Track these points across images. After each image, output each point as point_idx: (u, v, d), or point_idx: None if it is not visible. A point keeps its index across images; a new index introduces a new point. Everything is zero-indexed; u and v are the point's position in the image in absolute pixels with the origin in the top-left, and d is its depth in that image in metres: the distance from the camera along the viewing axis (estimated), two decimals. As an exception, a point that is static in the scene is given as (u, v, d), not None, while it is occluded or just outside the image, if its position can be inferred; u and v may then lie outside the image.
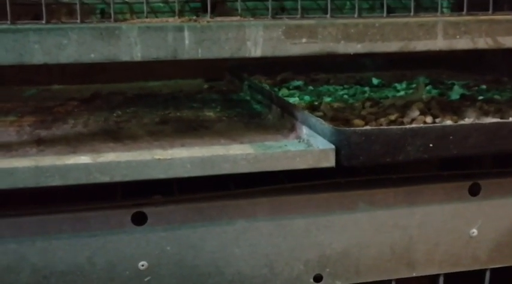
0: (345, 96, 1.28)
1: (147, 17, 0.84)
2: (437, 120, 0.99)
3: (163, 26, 0.81)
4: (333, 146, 0.84)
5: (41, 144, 0.91)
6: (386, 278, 0.96)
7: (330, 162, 0.83)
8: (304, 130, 0.91)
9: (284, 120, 1.01)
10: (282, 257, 0.91)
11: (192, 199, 0.87)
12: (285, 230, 0.90)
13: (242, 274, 0.90)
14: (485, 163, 1.07)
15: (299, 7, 0.89)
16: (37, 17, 0.87)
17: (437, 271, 0.97)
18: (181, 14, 0.87)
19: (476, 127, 0.88)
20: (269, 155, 0.83)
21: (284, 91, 1.32)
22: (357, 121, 0.97)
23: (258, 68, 1.51)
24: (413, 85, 1.37)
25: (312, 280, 0.92)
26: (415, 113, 1.01)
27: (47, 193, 0.84)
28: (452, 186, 0.95)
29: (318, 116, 0.94)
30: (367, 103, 1.13)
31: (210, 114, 1.13)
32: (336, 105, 1.14)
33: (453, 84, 1.38)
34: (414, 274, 0.96)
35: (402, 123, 0.98)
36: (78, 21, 0.81)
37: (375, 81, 1.44)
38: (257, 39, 0.83)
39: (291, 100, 1.18)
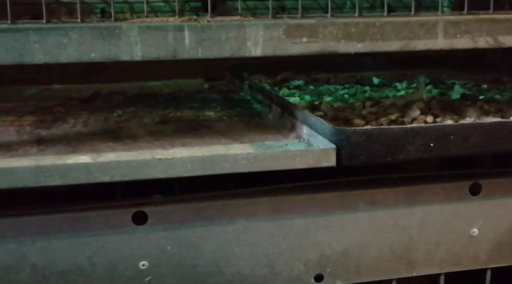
0: (346, 96, 1.28)
1: (147, 17, 0.84)
2: (437, 119, 0.99)
3: (164, 26, 0.81)
4: (333, 146, 0.83)
5: (41, 143, 0.90)
6: (386, 278, 0.96)
7: (330, 161, 0.83)
8: (305, 130, 0.91)
9: (284, 120, 1.01)
10: (283, 257, 0.90)
11: (192, 198, 0.87)
12: (286, 230, 0.90)
13: (242, 273, 0.90)
14: (486, 163, 1.07)
15: (299, 6, 0.89)
16: (37, 17, 0.86)
17: (437, 270, 0.97)
18: (181, 13, 0.87)
19: (477, 127, 0.88)
20: (269, 155, 0.83)
21: (284, 91, 1.32)
22: (358, 121, 0.97)
23: (259, 68, 1.51)
24: (414, 85, 1.37)
25: (312, 280, 0.92)
26: (416, 113, 1.01)
27: (47, 193, 0.84)
28: (453, 185, 0.95)
29: (318, 116, 0.93)
30: (368, 103, 1.13)
31: (210, 113, 1.13)
32: (336, 104, 1.14)
33: (454, 84, 1.38)
34: (414, 274, 0.96)
35: (403, 123, 0.98)
36: (79, 20, 0.81)
37: (375, 80, 1.44)
38: (257, 38, 0.83)
39: (292, 99, 1.18)
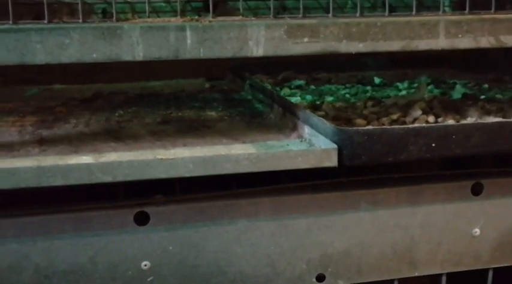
0: (347, 96, 1.28)
1: (149, 17, 0.84)
2: (439, 119, 0.99)
3: (165, 26, 0.81)
4: (335, 146, 0.83)
5: (43, 143, 0.90)
6: (388, 278, 0.96)
7: (332, 161, 0.83)
8: (306, 130, 0.91)
9: (286, 120, 1.01)
10: (284, 256, 0.90)
11: (194, 198, 0.87)
12: (287, 230, 0.90)
13: (244, 273, 0.90)
14: (488, 163, 1.07)
15: (301, 6, 0.89)
16: (38, 17, 0.86)
17: (439, 270, 0.97)
18: (182, 13, 0.87)
19: (479, 127, 0.88)
20: (271, 155, 0.83)
21: (286, 91, 1.32)
22: (359, 121, 0.97)
23: (260, 67, 1.51)
24: (415, 85, 1.37)
25: (314, 280, 0.92)
26: (417, 112, 1.01)
27: (49, 193, 0.84)
28: (455, 185, 0.95)
29: (319, 115, 0.93)
30: (369, 103, 1.13)
31: (211, 113, 1.13)
32: (337, 104, 1.14)
33: (455, 84, 1.38)
34: (416, 274, 0.96)
35: (404, 123, 0.98)
36: (80, 21, 0.81)
37: (376, 80, 1.44)
38: (259, 38, 0.83)
39: (293, 99, 1.18)
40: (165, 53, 0.81)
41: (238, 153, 0.82)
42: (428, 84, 1.36)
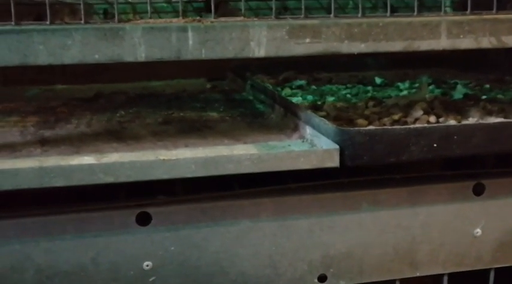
0: (348, 96, 1.28)
1: (150, 18, 0.84)
2: (440, 119, 0.99)
3: (167, 27, 0.81)
4: (337, 146, 0.83)
5: (45, 144, 0.91)
6: (390, 278, 0.96)
7: (334, 162, 0.83)
8: (308, 130, 0.91)
9: (287, 120, 1.01)
10: (286, 257, 0.91)
11: (196, 199, 0.87)
12: (289, 231, 0.90)
13: (246, 274, 0.90)
14: (489, 163, 1.07)
15: (302, 7, 0.89)
16: (39, 17, 0.86)
17: (441, 270, 0.97)
18: (184, 14, 0.87)
19: (480, 127, 0.88)
20: (273, 155, 0.83)
21: (287, 91, 1.32)
22: (361, 121, 0.97)
23: (261, 68, 1.51)
24: (416, 85, 1.37)
25: (316, 280, 0.92)
26: (419, 113, 1.01)
27: (50, 194, 0.84)
28: (456, 185, 0.95)
29: (321, 116, 0.93)
30: (371, 103, 1.13)
31: (213, 114, 1.13)
32: (339, 104, 1.14)
33: (456, 84, 1.38)
34: (418, 274, 0.96)
35: (405, 123, 0.98)
36: (82, 21, 0.81)
37: (377, 80, 1.44)
38: (261, 39, 0.83)
39: (294, 99, 1.18)
40: (167, 54, 0.81)
41: (240, 154, 0.82)
42: (429, 84, 1.36)
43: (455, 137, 0.86)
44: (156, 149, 0.86)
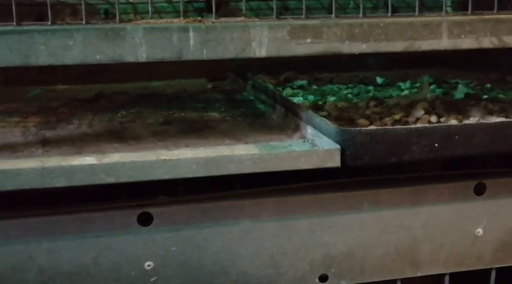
0: (349, 96, 1.28)
1: (151, 18, 0.84)
2: (441, 119, 0.99)
3: (168, 27, 0.81)
4: (338, 146, 0.84)
5: (46, 144, 0.91)
6: (391, 278, 0.96)
7: (335, 162, 0.83)
8: (309, 130, 0.91)
9: (288, 120, 1.01)
10: (287, 257, 0.91)
11: (197, 199, 0.87)
12: (290, 231, 0.90)
13: (247, 274, 0.90)
14: (490, 163, 1.07)
15: (303, 7, 0.89)
16: (40, 18, 0.87)
17: (442, 270, 0.97)
18: (185, 14, 0.87)
19: (481, 127, 0.88)
20: (274, 155, 0.83)
21: (288, 91, 1.32)
22: (362, 121, 0.97)
23: (262, 68, 1.51)
24: (418, 85, 1.37)
25: (317, 280, 0.92)
26: (420, 112, 1.01)
27: (52, 194, 0.85)
28: (458, 185, 0.95)
29: (322, 116, 0.94)
30: (372, 103, 1.13)
31: (214, 114, 1.13)
32: (340, 104, 1.14)
33: (457, 83, 1.38)
34: (419, 274, 0.96)
35: (407, 123, 0.98)
36: (83, 22, 0.81)
37: (379, 80, 1.44)
38: (262, 39, 0.83)
39: (295, 99, 1.18)
40: (168, 54, 0.81)
41: (241, 154, 0.82)
42: (430, 84, 1.36)
43: (456, 137, 0.86)
44: (157, 149, 0.86)
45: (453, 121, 0.97)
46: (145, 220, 0.86)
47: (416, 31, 0.87)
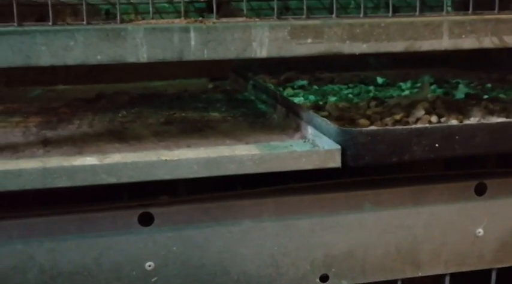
0: (350, 96, 1.28)
1: (152, 18, 0.85)
2: (442, 119, 0.99)
3: (169, 27, 0.81)
4: (338, 146, 0.84)
5: (47, 144, 0.91)
6: (392, 278, 0.96)
7: (335, 162, 0.83)
8: (310, 130, 0.91)
9: (289, 120, 1.02)
10: (288, 257, 0.91)
11: (198, 199, 0.87)
12: (291, 231, 0.90)
13: (248, 274, 0.90)
14: (491, 163, 1.07)
15: (304, 7, 0.89)
16: (42, 18, 0.87)
17: (443, 270, 0.97)
18: (186, 14, 0.87)
19: (482, 127, 0.88)
20: (275, 155, 0.83)
21: (289, 91, 1.32)
22: (363, 121, 0.97)
23: (262, 68, 1.51)
24: (418, 85, 1.37)
25: (318, 280, 0.92)
26: (421, 112, 1.01)
27: (53, 194, 0.85)
28: (458, 185, 0.95)
29: (323, 116, 0.94)
30: (372, 103, 1.13)
31: (215, 114, 1.13)
32: (341, 104, 1.14)
33: (458, 83, 1.38)
34: (420, 274, 0.96)
35: (407, 123, 0.98)
36: (84, 22, 0.81)
37: (379, 80, 1.44)
38: (263, 39, 0.83)
39: (296, 100, 1.18)
40: (169, 54, 0.81)
41: (242, 154, 0.82)
42: (431, 84, 1.36)
43: (457, 137, 0.86)
44: (158, 149, 0.86)
45: (454, 122, 0.97)
46: (146, 220, 0.86)
47: (417, 31, 0.88)
